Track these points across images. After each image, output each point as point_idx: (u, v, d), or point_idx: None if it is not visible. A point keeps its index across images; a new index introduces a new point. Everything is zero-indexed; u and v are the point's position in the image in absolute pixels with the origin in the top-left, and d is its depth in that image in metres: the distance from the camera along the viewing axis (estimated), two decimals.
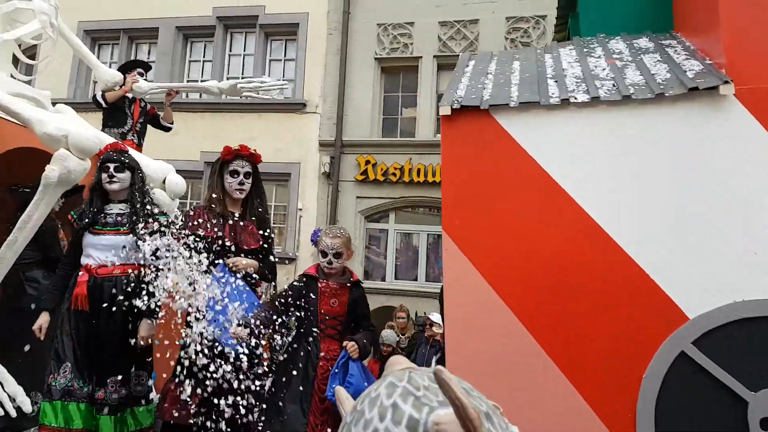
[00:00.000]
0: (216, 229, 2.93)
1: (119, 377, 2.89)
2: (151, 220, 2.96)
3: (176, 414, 2.85)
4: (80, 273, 2.99)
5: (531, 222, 2.21)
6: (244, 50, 10.24)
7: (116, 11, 10.25)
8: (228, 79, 10.16)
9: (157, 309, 2.86)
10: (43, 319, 3.04)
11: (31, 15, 4.06)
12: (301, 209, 9.47)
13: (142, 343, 2.89)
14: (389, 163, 9.17)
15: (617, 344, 2.11)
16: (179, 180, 4.20)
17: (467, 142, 2.32)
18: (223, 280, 2.84)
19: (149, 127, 5.32)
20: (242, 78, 9.92)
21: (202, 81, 10.20)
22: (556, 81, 2.38)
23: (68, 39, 4.81)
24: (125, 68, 5.18)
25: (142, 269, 2.91)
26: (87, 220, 3.02)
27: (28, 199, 3.58)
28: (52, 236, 3.86)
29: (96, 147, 3.27)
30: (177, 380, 2.91)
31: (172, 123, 5.47)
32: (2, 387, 3.29)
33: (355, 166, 9.35)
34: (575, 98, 2.20)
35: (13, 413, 3.19)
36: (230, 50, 10.34)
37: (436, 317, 5.59)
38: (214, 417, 2.79)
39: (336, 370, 2.87)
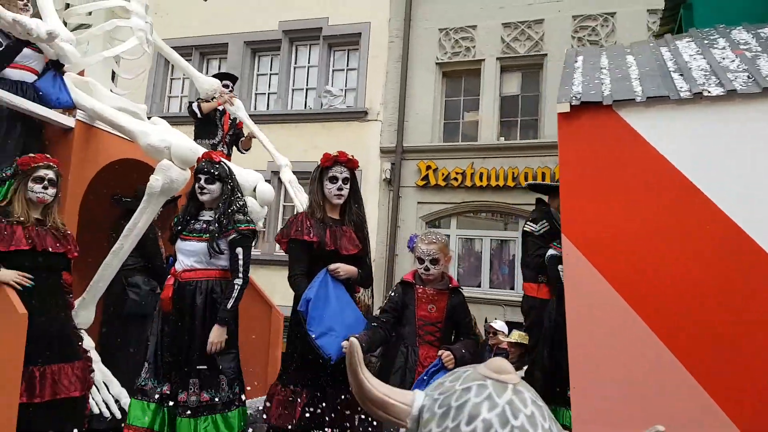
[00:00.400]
0: (317, 234, 2.98)
1: (200, 380, 2.94)
2: (230, 227, 3.05)
3: (282, 417, 2.89)
4: (169, 277, 3.14)
5: (661, 223, 2.11)
6: (309, 62, 10.42)
7: (189, 30, 10.65)
8: (293, 91, 10.43)
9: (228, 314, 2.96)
10: None
11: (128, 32, 4.30)
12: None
13: (212, 348, 2.93)
14: (450, 167, 9.10)
15: (758, 347, 1.98)
16: (268, 188, 4.28)
17: (588, 140, 2.25)
18: (328, 287, 2.89)
19: None
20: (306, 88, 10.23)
21: (270, 93, 10.56)
22: (681, 74, 2.27)
23: (165, 53, 5.03)
24: (219, 77, 5.36)
25: (223, 274, 3.05)
26: (179, 227, 3.15)
27: (130, 208, 3.77)
28: (153, 244, 4.00)
29: (195, 157, 3.39)
30: (282, 384, 2.97)
31: (248, 149, 5.60)
32: (107, 389, 3.43)
33: (415, 172, 9.33)
34: (708, 92, 2.09)
35: (118, 414, 3.31)
36: (295, 62, 10.55)
37: (499, 325, 5.54)
38: (317, 421, 2.83)
39: (425, 377, 2.82)
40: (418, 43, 9.57)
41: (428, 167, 9.19)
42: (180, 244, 3.12)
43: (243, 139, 5.50)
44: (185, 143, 3.46)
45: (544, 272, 3.98)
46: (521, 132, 9.21)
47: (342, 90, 10.08)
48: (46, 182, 3.05)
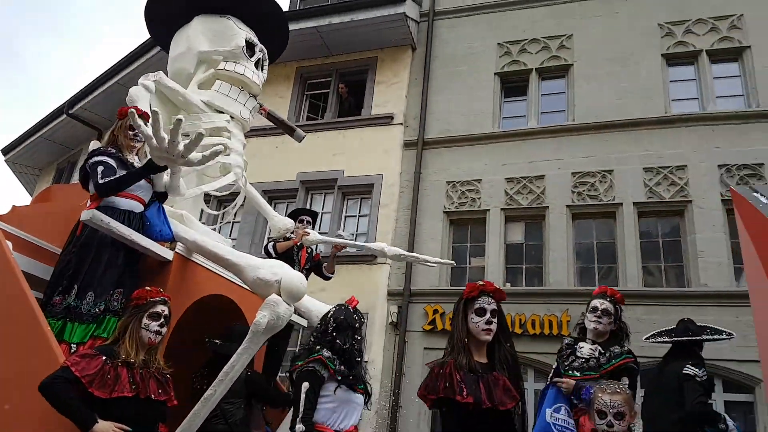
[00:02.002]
0: (472, 392, 2.51)
1: None
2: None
3: None
4: None
5: None
6: (323, 208, 10.99)
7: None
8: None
9: None
10: None
11: (216, 168, 4.52)
12: (366, 361, 9.30)
13: None
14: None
15: None
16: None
17: None
18: None
19: None
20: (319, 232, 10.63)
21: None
22: None
23: (249, 192, 5.12)
24: (293, 216, 5.47)
25: None
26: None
27: (221, 352, 3.63)
28: (261, 383, 4.00)
29: (305, 292, 3.27)
30: None
31: (333, 273, 5.62)
32: None
33: (422, 316, 9.33)
34: None
35: None
36: (310, 208, 11.14)
37: None
38: None
39: None
40: (427, 193, 10.18)
41: (435, 311, 9.20)
42: (347, 395, 3.14)
43: (326, 264, 5.57)
44: (296, 277, 3.24)
45: (703, 425, 3.72)
46: (527, 279, 9.36)
47: (353, 234, 10.48)
48: (162, 320, 2.83)
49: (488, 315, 2.69)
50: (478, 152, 10.16)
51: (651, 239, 8.97)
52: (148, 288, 2.92)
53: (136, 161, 3.60)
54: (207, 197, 4.77)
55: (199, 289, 3.79)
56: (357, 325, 3.35)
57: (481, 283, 2.80)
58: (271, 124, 5.56)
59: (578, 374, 3.59)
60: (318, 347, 3.21)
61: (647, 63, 9.82)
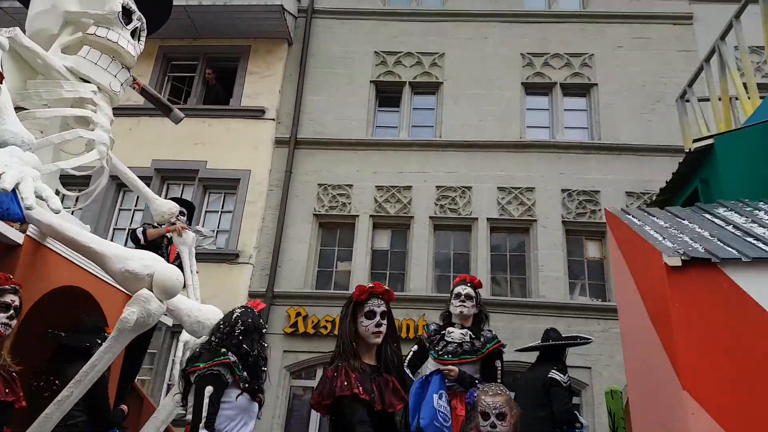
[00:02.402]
0: (366, 390, 2.51)
1: None
2: None
3: None
4: None
5: None
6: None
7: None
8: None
9: None
10: None
11: (78, 145, 4.04)
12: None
13: None
14: (321, 315, 9.13)
15: None
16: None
17: (698, 298, 2.27)
18: None
19: None
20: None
21: (130, 228, 9.98)
22: (756, 238, 2.49)
23: (121, 172, 4.70)
24: (178, 203, 5.01)
25: None
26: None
27: (65, 342, 3.31)
28: (103, 391, 3.42)
29: (180, 288, 3.06)
30: None
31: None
32: None
33: (284, 318, 9.19)
34: None
35: None
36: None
37: None
38: None
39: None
40: (297, 194, 10.03)
41: (298, 314, 9.12)
42: (247, 404, 3.00)
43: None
44: (172, 271, 3.05)
45: (566, 426, 4.10)
46: (390, 284, 9.65)
47: (213, 231, 9.94)
48: (12, 311, 2.50)
49: (378, 317, 2.68)
50: (351, 157, 10.25)
51: (500, 252, 9.82)
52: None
53: None
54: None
55: (52, 280, 3.42)
56: (264, 330, 3.25)
57: (370, 285, 2.78)
58: (122, 103, 5.05)
59: (455, 358, 3.86)
60: (223, 350, 3.01)
61: (508, 89, 10.69)
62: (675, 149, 8.70)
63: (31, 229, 3.24)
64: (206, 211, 10.28)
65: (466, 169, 10.08)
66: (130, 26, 4.44)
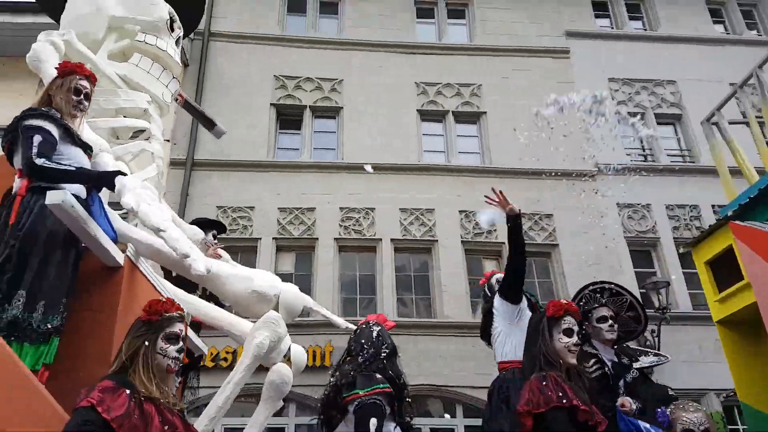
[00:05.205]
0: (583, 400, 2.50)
1: None
2: None
3: None
4: None
5: None
6: None
7: None
8: None
9: None
10: None
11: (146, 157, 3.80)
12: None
13: None
14: (220, 347, 8.62)
15: None
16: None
17: None
18: None
19: None
20: None
21: None
22: None
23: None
24: (201, 225, 4.55)
25: None
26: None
27: None
28: None
29: (301, 309, 2.90)
30: None
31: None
32: None
33: None
34: None
35: None
36: None
37: None
38: None
39: None
40: (194, 216, 9.46)
41: None
42: None
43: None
44: (295, 292, 2.93)
45: None
46: None
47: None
48: (181, 343, 2.14)
49: (575, 337, 2.68)
50: (252, 179, 10.00)
51: (405, 273, 9.96)
52: (162, 299, 2.27)
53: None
54: None
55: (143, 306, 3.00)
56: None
57: (564, 301, 2.79)
58: None
59: None
60: (378, 376, 2.76)
61: (405, 116, 11.10)
62: (564, 172, 9.30)
63: (130, 250, 2.83)
64: None
65: (368, 191, 10.21)
66: (174, 35, 4.26)
